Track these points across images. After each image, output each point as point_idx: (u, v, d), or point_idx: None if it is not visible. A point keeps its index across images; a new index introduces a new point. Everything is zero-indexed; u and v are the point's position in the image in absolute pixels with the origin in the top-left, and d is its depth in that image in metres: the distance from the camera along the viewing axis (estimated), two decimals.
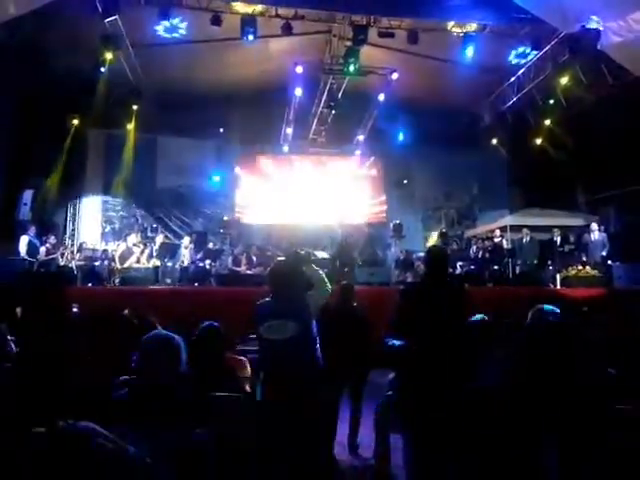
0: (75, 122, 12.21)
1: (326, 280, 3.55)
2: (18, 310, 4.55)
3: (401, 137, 15.07)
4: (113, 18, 9.12)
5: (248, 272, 11.21)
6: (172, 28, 10.12)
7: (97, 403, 2.00)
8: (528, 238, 11.82)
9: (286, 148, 15.27)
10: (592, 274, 10.35)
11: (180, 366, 2.12)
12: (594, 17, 9.13)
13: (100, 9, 8.89)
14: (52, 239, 10.58)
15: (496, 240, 12.00)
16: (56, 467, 0.92)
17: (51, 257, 10.34)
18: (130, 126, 13.07)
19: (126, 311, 4.60)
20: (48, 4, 8.06)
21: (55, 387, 2.73)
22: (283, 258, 4.00)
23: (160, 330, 2.28)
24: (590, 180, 13.51)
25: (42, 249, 10.24)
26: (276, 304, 3.41)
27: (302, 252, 3.95)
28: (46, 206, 11.87)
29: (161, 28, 10.01)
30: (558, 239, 11.84)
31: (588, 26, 9.28)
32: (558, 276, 10.56)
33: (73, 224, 13.62)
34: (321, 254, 12.29)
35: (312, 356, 3.36)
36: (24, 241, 9.86)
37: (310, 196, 15.71)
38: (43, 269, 9.95)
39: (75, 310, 4.83)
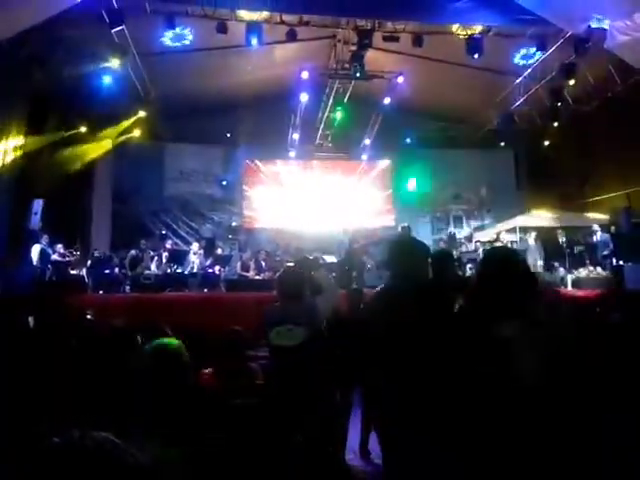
0: (83, 130, 12.33)
1: (335, 285, 3.56)
2: (30, 319, 4.59)
3: (408, 140, 15.10)
4: (120, 28, 9.21)
5: (257, 277, 11.24)
6: (178, 37, 10.20)
7: (111, 413, 2.01)
8: (535, 241, 11.73)
9: (293, 153, 15.32)
10: (603, 275, 10.27)
11: (187, 373, 2.11)
12: (600, 17, 9.09)
13: (107, 19, 8.99)
14: (60, 247, 10.67)
15: (505, 242, 11.95)
16: (71, 478, 0.93)
17: (62, 265, 10.44)
18: (137, 134, 13.19)
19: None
20: (56, 15, 8.16)
21: (68, 395, 2.75)
22: (292, 263, 4.02)
23: (159, 340, 2.28)
24: (598, 180, 13.42)
25: (53, 257, 10.36)
26: (285, 309, 3.42)
27: (311, 257, 3.96)
28: (56, 214, 11.97)
29: (167, 37, 10.10)
30: (564, 240, 11.78)
31: (594, 26, 9.24)
32: (569, 277, 10.49)
33: (83, 232, 13.72)
34: (329, 258, 12.29)
35: (322, 361, 3.37)
36: (36, 250, 9.96)
37: (317, 201, 15.74)
38: (55, 277, 10.04)
39: (89, 317, 4.87)
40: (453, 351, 2.07)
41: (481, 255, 11.44)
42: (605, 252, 10.88)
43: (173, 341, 2.19)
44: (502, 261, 2.23)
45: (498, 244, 12.05)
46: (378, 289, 2.74)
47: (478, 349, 2.00)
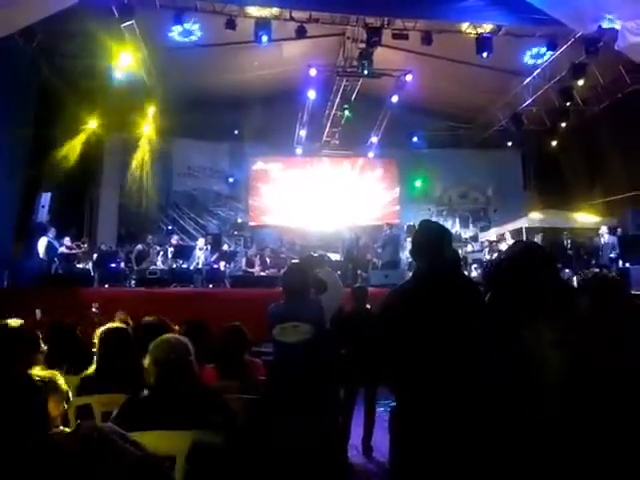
0: (92, 125, 12.37)
1: (340, 282, 3.56)
2: (37, 312, 4.63)
3: (415, 139, 15.07)
4: (129, 22, 9.23)
5: (262, 274, 11.26)
6: (187, 32, 10.21)
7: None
8: (544, 241, 11.65)
9: (299, 150, 15.31)
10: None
11: (193, 369, 2.14)
12: (611, 17, 9.01)
13: (116, 13, 9.01)
14: (67, 240, 10.73)
15: (510, 242, 11.88)
16: (77, 468, 0.94)
17: (69, 258, 10.51)
18: (146, 129, 13.22)
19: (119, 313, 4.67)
20: (65, 9, 8.18)
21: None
22: (297, 261, 4.03)
23: (169, 335, 2.31)
24: (606, 182, 13.34)
25: (60, 250, 10.42)
26: (290, 306, 3.43)
27: (316, 255, 3.97)
28: (63, 208, 12.04)
29: (176, 32, 10.11)
30: (569, 242, 11.72)
31: (605, 26, 9.16)
32: (575, 279, 10.43)
33: (90, 226, 13.79)
34: (334, 256, 12.29)
35: (326, 358, 3.38)
36: (43, 243, 10.02)
37: (323, 198, 15.74)
38: (61, 270, 10.11)
39: (94, 310, 4.91)
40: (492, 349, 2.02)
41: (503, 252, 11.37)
42: (612, 254, 10.82)
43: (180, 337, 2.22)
44: (530, 255, 2.17)
45: (503, 245, 11.97)
46: (404, 282, 2.63)
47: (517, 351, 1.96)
